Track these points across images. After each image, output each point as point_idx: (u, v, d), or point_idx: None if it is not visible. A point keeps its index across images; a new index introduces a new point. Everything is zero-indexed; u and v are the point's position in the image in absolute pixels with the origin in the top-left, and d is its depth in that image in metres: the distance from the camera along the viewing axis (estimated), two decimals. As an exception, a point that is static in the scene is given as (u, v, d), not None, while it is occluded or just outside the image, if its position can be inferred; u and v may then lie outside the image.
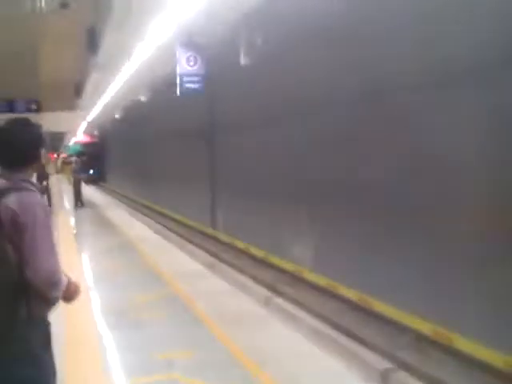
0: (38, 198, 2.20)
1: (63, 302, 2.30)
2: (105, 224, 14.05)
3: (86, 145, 37.28)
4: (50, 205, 15.35)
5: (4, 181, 2.21)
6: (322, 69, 7.58)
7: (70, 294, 2.29)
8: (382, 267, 6.71)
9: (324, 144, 8.14)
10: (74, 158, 33.47)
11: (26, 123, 2.34)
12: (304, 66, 8.16)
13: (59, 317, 4.76)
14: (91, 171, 36.33)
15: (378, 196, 6.90)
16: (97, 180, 36.00)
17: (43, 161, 2.41)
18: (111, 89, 12.96)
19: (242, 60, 6.48)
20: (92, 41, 8.57)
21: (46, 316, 2.27)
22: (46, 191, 15.56)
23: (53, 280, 2.13)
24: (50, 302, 2.22)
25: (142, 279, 7.29)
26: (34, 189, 2.23)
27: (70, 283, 2.28)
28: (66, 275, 2.25)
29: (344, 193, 7.88)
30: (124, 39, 7.74)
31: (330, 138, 7.94)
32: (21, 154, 2.24)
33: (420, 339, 5.99)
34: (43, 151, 2.38)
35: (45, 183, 15.71)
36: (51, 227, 2.23)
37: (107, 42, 7.95)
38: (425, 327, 5.89)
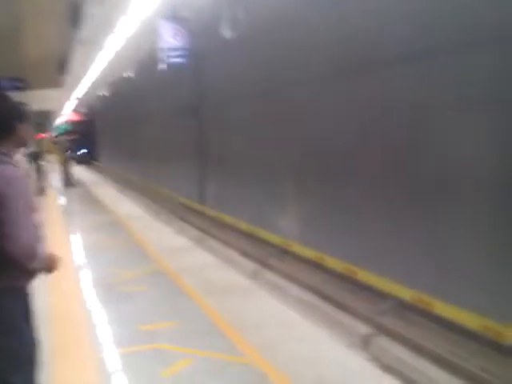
0: (15, 171, 2.22)
1: (44, 272, 2.35)
2: (94, 202, 14.03)
3: (75, 123, 36.46)
4: (43, 184, 15.24)
5: None
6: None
7: (50, 265, 2.34)
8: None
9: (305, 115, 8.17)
10: (62, 138, 33.02)
11: None
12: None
13: (47, 291, 4.86)
14: (82, 150, 35.57)
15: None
16: (89, 159, 35.31)
17: (24, 135, 2.41)
18: (98, 65, 12.79)
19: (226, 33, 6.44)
20: (75, 15, 8.43)
21: (26, 287, 2.32)
22: (39, 170, 15.45)
23: (30, 251, 2.16)
24: (29, 274, 2.27)
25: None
26: (11, 161, 2.26)
27: (49, 254, 2.32)
28: (44, 247, 2.29)
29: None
30: (108, 13, 7.63)
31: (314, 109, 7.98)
32: None
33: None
34: (22, 125, 2.37)
35: (39, 162, 15.60)
36: (29, 200, 2.25)
37: (90, 16, 7.83)
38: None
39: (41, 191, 14.98)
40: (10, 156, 2.29)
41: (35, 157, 15.63)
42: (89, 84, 16.99)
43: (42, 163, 15.68)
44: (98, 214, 11.65)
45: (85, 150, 35.99)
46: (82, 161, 33.77)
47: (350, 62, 6.75)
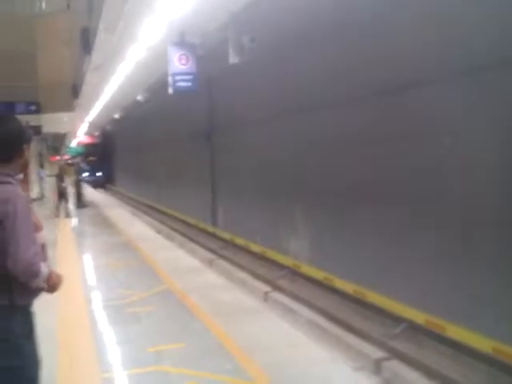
0: (19, 191, 2.29)
1: (46, 292, 2.37)
2: (105, 224, 14.16)
3: (91, 145, 36.15)
4: (66, 206, 15.35)
5: None
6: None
7: (53, 285, 2.36)
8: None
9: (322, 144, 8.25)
10: (76, 160, 33.04)
11: (3, 119, 2.43)
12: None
13: (55, 311, 4.89)
14: (98, 173, 35.13)
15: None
16: (105, 183, 34.66)
17: (28, 158, 2.49)
18: (110, 90, 13.08)
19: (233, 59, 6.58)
20: (87, 42, 8.66)
21: (30, 306, 2.35)
22: (63, 193, 15.35)
23: (32, 270, 2.20)
24: (32, 292, 2.31)
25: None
26: (15, 182, 2.33)
27: (51, 273, 2.34)
28: (48, 266, 2.34)
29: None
30: (117, 40, 7.83)
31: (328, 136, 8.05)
32: (2, 149, 2.33)
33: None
34: (28, 148, 2.46)
35: (63, 185, 15.58)
36: (31, 219, 2.30)
37: (101, 43, 8.04)
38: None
39: (65, 213, 15.08)
40: (15, 178, 2.37)
41: (59, 179, 15.68)
42: (101, 107, 17.33)
43: (64, 185, 15.66)
44: (109, 235, 11.75)
45: (100, 174, 35.33)
46: (97, 184, 33.28)
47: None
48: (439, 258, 5.90)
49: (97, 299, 6.24)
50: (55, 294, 2.45)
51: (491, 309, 5.17)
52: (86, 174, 34.11)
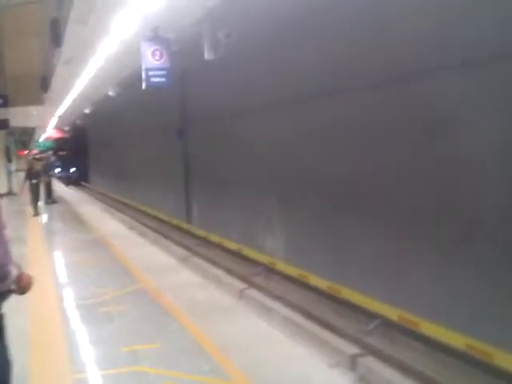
0: None
1: (16, 293, 2.29)
2: (76, 221, 13.89)
3: (61, 140, 33.96)
4: (36, 203, 14.40)
5: None
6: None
7: (23, 286, 2.28)
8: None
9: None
10: (45, 155, 31.80)
11: None
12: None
13: (25, 311, 4.76)
14: (72, 169, 32.81)
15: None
16: (79, 180, 32.22)
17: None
18: (81, 83, 12.79)
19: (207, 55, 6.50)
20: (56, 34, 8.43)
21: None
22: (35, 190, 14.70)
23: (1, 272, 2.11)
24: (1, 294, 2.20)
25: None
26: None
27: (22, 275, 2.26)
28: (18, 267, 2.24)
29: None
30: (88, 33, 7.64)
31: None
32: None
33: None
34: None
35: (34, 181, 14.78)
36: (1, 221, 2.21)
37: (71, 35, 7.83)
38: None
39: (35, 210, 14.22)
40: None
41: (31, 176, 14.82)
42: (71, 102, 16.92)
43: (34, 181, 14.88)
44: (80, 232, 11.52)
45: (73, 170, 33.11)
46: (69, 181, 31.25)
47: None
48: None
49: (69, 298, 6.11)
50: (27, 294, 2.37)
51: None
52: (57, 170, 32.52)
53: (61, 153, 33.49)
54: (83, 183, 32.11)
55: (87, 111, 20.05)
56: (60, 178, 32.06)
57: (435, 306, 5.50)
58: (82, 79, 11.83)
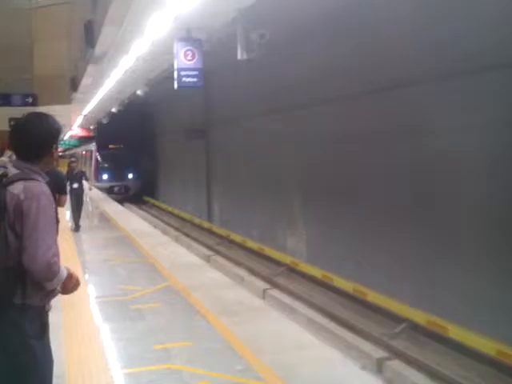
0: (44, 188, 2.23)
1: (62, 293, 2.30)
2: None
3: (109, 127, 20.36)
4: (78, 217, 10.88)
5: (16, 170, 2.27)
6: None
7: (69, 286, 2.28)
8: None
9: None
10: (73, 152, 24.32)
11: (41, 117, 2.38)
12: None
13: (57, 308, 4.86)
14: (129, 176, 20.81)
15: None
16: (140, 195, 20.81)
17: (56, 156, 2.40)
18: (110, 83, 13.02)
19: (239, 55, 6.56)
20: (90, 34, 8.58)
21: (44, 305, 2.26)
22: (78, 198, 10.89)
23: (51, 270, 2.11)
24: (47, 292, 2.21)
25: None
26: (42, 179, 2.28)
27: (70, 275, 2.26)
28: (66, 267, 2.25)
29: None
30: (122, 34, 7.76)
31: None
32: (33, 146, 2.29)
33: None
34: (56, 145, 2.39)
35: (75, 186, 10.85)
36: (54, 217, 2.22)
37: (106, 36, 7.96)
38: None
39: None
40: (43, 175, 2.32)
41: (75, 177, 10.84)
42: (99, 101, 17.18)
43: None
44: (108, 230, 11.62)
45: (132, 179, 20.66)
46: (124, 196, 19.72)
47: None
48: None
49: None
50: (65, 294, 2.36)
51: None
52: (103, 177, 20.74)
53: (111, 147, 21.24)
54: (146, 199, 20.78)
55: (113, 110, 20.13)
56: (110, 191, 19.97)
57: None
58: (112, 79, 12.00)
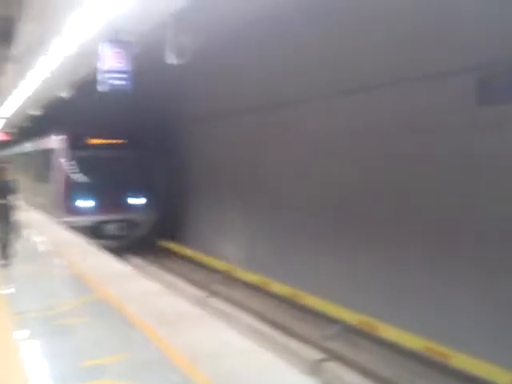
0: None
1: None
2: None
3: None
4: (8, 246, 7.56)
5: None
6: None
7: None
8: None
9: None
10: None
11: None
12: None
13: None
14: (135, 203, 11.81)
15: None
16: (152, 235, 12.40)
17: None
18: (30, 84, 12.20)
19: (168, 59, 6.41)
20: (7, 32, 8.03)
21: None
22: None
23: None
24: None
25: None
26: None
27: None
28: None
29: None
30: (41, 33, 7.32)
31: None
32: None
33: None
34: None
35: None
36: None
37: (24, 34, 7.46)
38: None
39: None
40: None
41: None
42: (19, 103, 16.04)
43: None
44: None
45: (144, 199, 11.80)
46: (131, 241, 11.57)
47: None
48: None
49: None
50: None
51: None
52: (82, 205, 11.25)
53: (97, 142, 11.88)
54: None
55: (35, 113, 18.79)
56: (98, 234, 11.11)
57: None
58: (31, 80, 11.26)
